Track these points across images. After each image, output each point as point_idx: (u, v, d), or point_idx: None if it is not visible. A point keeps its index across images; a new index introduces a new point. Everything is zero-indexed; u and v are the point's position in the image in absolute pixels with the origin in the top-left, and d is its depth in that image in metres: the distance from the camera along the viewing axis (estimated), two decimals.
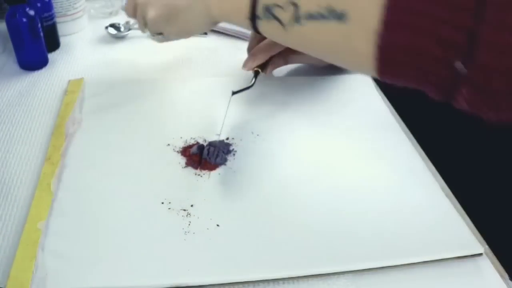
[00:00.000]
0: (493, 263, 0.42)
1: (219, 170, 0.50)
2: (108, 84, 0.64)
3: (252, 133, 0.56)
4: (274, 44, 0.57)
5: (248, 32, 0.63)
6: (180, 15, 0.51)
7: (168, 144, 0.53)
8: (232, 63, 0.69)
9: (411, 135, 0.57)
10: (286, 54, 0.61)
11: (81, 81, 0.63)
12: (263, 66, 0.61)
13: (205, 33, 0.79)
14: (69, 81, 0.64)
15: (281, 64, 0.62)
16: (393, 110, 0.61)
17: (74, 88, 0.62)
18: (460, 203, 0.48)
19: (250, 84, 0.58)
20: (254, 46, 0.59)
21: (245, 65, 0.60)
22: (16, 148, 0.53)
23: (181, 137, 0.54)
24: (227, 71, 0.68)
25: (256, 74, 0.60)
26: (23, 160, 0.51)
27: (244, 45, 0.74)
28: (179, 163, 0.51)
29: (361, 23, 0.33)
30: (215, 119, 0.57)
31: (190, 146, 0.53)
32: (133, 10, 0.57)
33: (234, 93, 0.56)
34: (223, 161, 0.51)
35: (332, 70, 0.66)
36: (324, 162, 0.52)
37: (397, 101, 0.62)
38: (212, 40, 0.77)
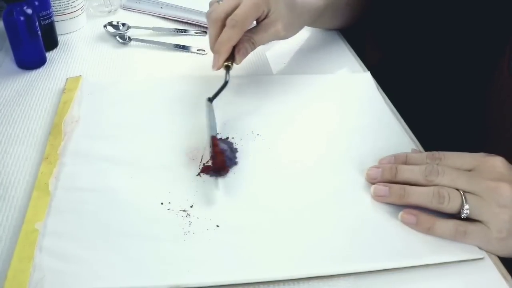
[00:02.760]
0: (495, 264, 0.42)
1: None
2: (107, 82, 0.63)
3: (252, 132, 0.55)
4: (231, 34, 0.56)
5: None
6: None
7: (168, 143, 0.53)
8: None
9: (412, 135, 0.56)
10: (249, 37, 0.59)
11: (79, 79, 0.63)
12: (232, 58, 0.59)
13: (204, 32, 0.79)
14: (67, 79, 0.63)
15: (250, 49, 0.59)
16: (394, 110, 0.61)
17: (72, 86, 0.61)
18: None
19: (224, 82, 0.57)
20: (214, 42, 0.58)
21: (213, 65, 0.59)
22: (14, 148, 0.52)
23: (180, 136, 0.54)
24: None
25: (227, 69, 0.59)
26: (21, 160, 0.50)
27: None
28: (179, 162, 0.50)
29: None
30: (216, 118, 0.56)
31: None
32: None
33: (211, 99, 0.56)
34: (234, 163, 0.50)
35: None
36: (325, 162, 0.52)
37: (398, 100, 0.62)
38: None
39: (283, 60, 0.71)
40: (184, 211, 0.45)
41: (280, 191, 0.48)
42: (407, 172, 0.46)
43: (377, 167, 0.49)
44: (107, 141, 0.53)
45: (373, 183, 0.48)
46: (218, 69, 0.59)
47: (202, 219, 0.44)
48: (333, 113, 0.60)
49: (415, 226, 0.44)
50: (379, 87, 0.65)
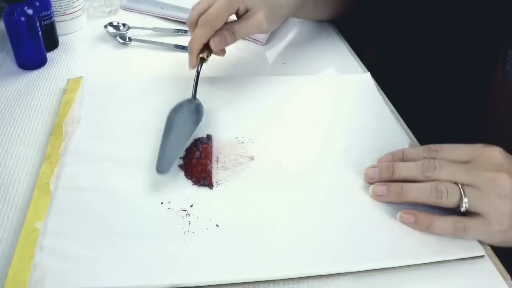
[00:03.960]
0: (494, 264, 0.42)
1: None
2: (107, 82, 0.63)
3: (252, 133, 0.55)
4: (201, 32, 0.57)
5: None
6: None
7: None
8: (233, 62, 0.69)
9: (412, 135, 0.57)
10: (229, 26, 0.59)
11: (80, 80, 0.63)
12: (207, 50, 0.59)
13: None
14: (69, 80, 0.63)
15: (229, 39, 0.59)
16: (394, 110, 0.61)
17: (73, 87, 0.61)
18: None
19: (196, 74, 0.58)
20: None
21: (189, 64, 0.60)
22: (15, 148, 0.52)
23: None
24: (228, 69, 0.68)
25: (201, 61, 0.59)
26: (22, 160, 0.51)
27: (244, 44, 0.74)
28: (179, 162, 0.51)
29: None
30: (215, 117, 0.57)
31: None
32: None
33: (193, 97, 0.57)
34: None
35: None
36: (324, 162, 0.52)
37: (398, 101, 0.62)
38: None
39: (282, 61, 0.71)
40: (184, 210, 0.45)
41: (280, 191, 0.48)
42: (404, 169, 0.46)
43: (375, 167, 0.49)
44: (108, 141, 0.53)
45: (372, 183, 0.48)
46: (194, 67, 0.59)
47: (201, 219, 0.44)
48: (333, 113, 0.60)
49: (414, 225, 0.44)
50: (379, 88, 0.65)
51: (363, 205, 0.47)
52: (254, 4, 0.59)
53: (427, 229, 0.43)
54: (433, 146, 0.47)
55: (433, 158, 0.46)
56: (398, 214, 0.45)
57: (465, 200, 0.42)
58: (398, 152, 0.50)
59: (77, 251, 0.41)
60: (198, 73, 0.58)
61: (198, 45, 0.58)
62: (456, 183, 0.43)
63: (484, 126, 0.57)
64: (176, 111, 0.56)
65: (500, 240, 0.43)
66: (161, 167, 0.47)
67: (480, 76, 0.56)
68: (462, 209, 0.43)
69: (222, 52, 0.62)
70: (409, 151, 0.49)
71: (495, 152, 0.44)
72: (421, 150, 0.48)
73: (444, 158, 0.46)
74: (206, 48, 0.59)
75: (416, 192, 0.44)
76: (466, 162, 0.45)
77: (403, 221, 0.44)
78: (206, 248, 0.42)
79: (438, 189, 0.43)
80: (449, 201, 0.43)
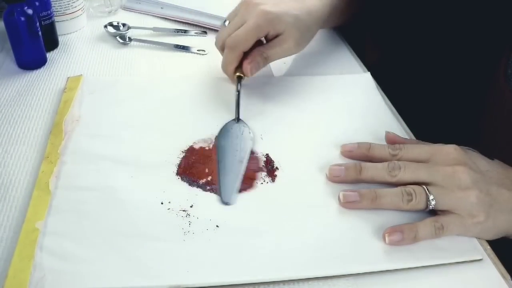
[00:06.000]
0: (494, 264, 0.42)
1: None
2: (107, 81, 0.63)
3: (252, 133, 0.55)
4: (232, 56, 0.58)
5: None
6: None
7: (168, 143, 0.53)
8: None
9: (412, 135, 0.57)
10: (262, 51, 0.59)
11: (80, 78, 0.63)
12: (239, 69, 0.60)
13: (205, 32, 0.79)
14: (68, 78, 0.63)
15: (262, 64, 0.59)
16: (394, 110, 0.61)
17: (72, 85, 0.61)
18: None
19: (236, 94, 0.58)
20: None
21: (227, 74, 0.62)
22: (15, 148, 0.52)
23: (181, 136, 0.54)
24: None
25: (239, 79, 0.59)
26: (22, 160, 0.51)
27: None
28: (179, 162, 0.51)
29: None
30: (217, 118, 0.57)
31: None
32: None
33: (237, 118, 0.56)
34: None
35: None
36: (325, 163, 0.52)
37: (398, 101, 0.62)
38: (212, 39, 0.77)
39: (282, 61, 0.71)
40: (184, 211, 0.45)
41: (280, 191, 0.48)
42: (372, 169, 0.47)
43: (339, 165, 0.48)
44: (108, 140, 0.53)
45: (334, 181, 0.48)
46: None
47: (201, 219, 0.44)
48: (333, 113, 0.60)
49: (402, 241, 0.42)
50: (379, 88, 0.65)
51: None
52: (286, 29, 0.59)
53: (415, 239, 0.42)
54: (397, 144, 0.49)
55: (397, 155, 0.48)
56: (386, 237, 0.43)
57: (431, 197, 0.43)
58: (365, 144, 0.50)
59: (77, 251, 0.41)
60: (238, 92, 0.58)
61: (232, 69, 0.60)
62: (420, 185, 0.44)
63: (485, 129, 0.57)
64: (224, 136, 0.54)
65: (480, 232, 0.43)
66: (227, 199, 0.46)
67: (482, 79, 0.56)
68: (430, 207, 0.43)
69: None
70: (375, 144, 0.50)
71: (451, 149, 0.46)
72: (386, 146, 0.50)
73: (406, 154, 0.47)
74: (240, 66, 0.60)
75: (391, 197, 0.44)
76: (426, 161, 0.46)
77: (391, 243, 0.42)
78: (206, 249, 0.41)
79: (407, 192, 0.44)
80: (418, 201, 0.43)
